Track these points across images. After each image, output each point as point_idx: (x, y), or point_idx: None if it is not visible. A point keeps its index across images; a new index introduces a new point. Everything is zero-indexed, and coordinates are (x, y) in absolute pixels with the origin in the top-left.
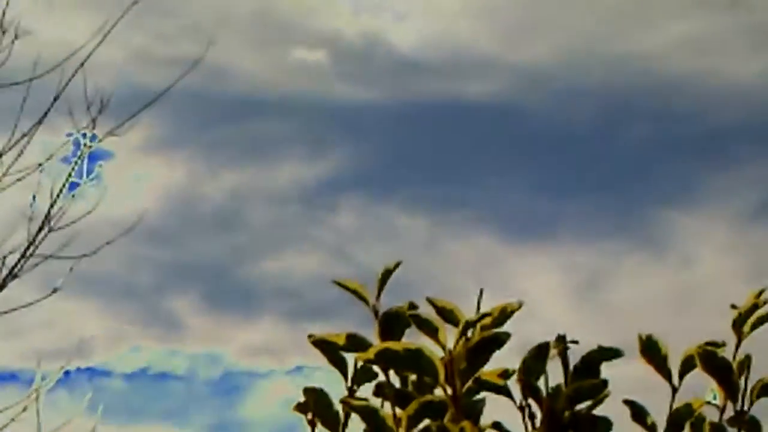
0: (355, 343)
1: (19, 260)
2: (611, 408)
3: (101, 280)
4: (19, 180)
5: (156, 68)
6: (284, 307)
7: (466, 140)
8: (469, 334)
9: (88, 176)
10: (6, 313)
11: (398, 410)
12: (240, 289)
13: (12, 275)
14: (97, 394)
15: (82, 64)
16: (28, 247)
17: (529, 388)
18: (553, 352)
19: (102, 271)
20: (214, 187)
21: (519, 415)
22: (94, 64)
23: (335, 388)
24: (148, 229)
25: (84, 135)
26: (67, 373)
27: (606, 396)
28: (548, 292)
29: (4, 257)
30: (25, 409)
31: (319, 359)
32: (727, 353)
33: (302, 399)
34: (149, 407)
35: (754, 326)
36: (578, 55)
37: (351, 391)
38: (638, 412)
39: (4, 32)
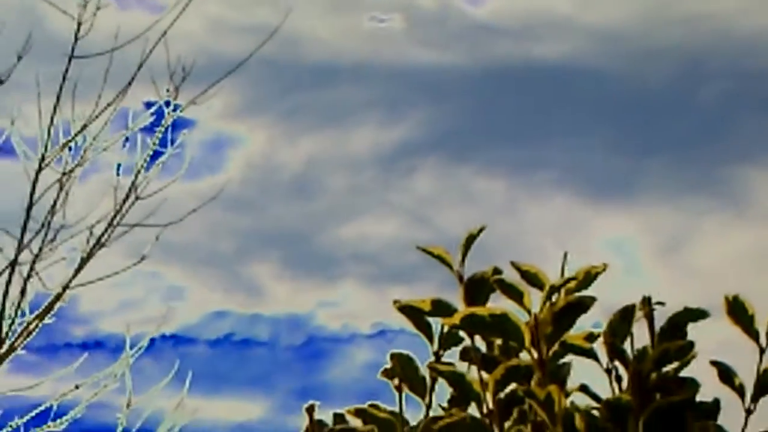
0: (441, 308)
1: (106, 229)
2: (698, 369)
3: (184, 247)
4: (104, 150)
5: (231, 37)
6: (364, 272)
7: (542, 102)
8: (554, 298)
9: (170, 145)
10: (94, 282)
11: (485, 375)
12: (320, 254)
13: (99, 244)
14: (181, 360)
15: (164, 33)
16: (114, 216)
17: (615, 351)
18: (638, 314)
19: (184, 239)
20: (292, 153)
21: (605, 377)
22: (171, 34)
23: (418, 352)
24: (227, 197)
25: (167, 104)
26: (152, 340)
27: (693, 357)
28: (630, 252)
29: (92, 226)
30: (116, 376)
31: (400, 323)
32: None
33: (388, 364)
34: (233, 373)
35: None
36: (653, 14)
37: (437, 356)
38: (726, 373)
39: (86, 4)
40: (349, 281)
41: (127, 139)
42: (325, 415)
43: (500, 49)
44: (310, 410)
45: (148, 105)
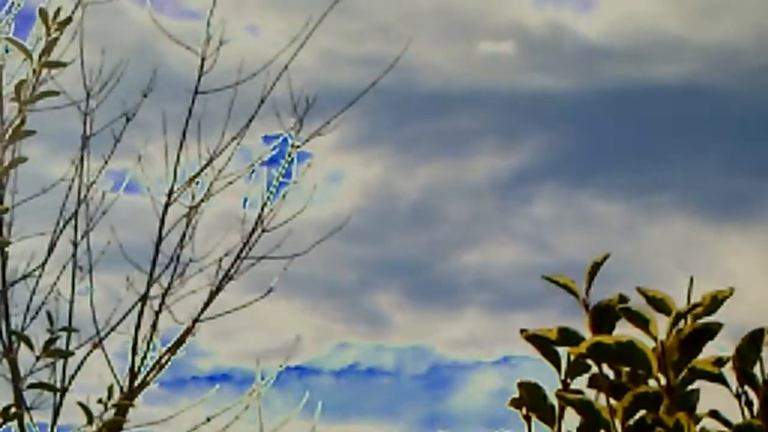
0: (567, 336)
1: (234, 262)
2: None
3: (305, 279)
4: (230, 183)
5: (343, 69)
6: (486, 299)
7: (659, 123)
8: (681, 324)
9: (290, 177)
10: (223, 315)
11: (613, 402)
12: (441, 282)
13: (228, 277)
14: (307, 392)
15: (286, 67)
16: (242, 249)
17: (745, 376)
18: (767, 338)
19: (305, 270)
20: (410, 183)
21: (736, 403)
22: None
23: (543, 379)
24: (347, 227)
25: (290, 136)
26: (273, 372)
27: None
28: (754, 274)
29: (220, 259)
30: (247, 408)
31: (525, 349)
32: None
33: (514, 391)
34: (359, 403)
35: None
36: (765, 30)
37: (565, 384)
38: None
39: (209, 39)
40: (472, 309)
41: (252, 172)
42: None
43: (614, 72)
44: None
45: (268, 138)
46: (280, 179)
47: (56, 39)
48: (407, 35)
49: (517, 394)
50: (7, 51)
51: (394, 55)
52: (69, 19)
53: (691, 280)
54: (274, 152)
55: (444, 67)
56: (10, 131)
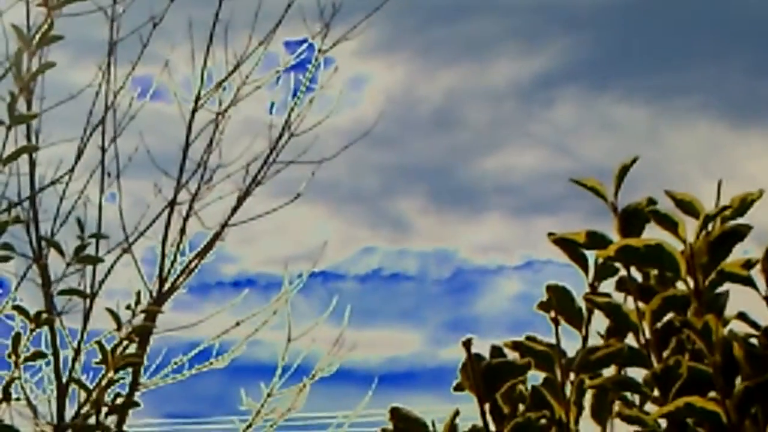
0: (595, 240)
1: (261, 167)
2: None
3: (328, 185)
4: (258, 88)
5: None
6: (508, 204)
7: (681, 27)
8: (709, 226)
9: (316, 82)
10: (253, 219)
11: (641, 305)
12: (463, 187)
13: (256, 182)
14: (332, 296)
15: None
16: (269, 154)
17: None
18: None
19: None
20: (431, 88)
21: (764, 304)
22: None
23: (567, 282)
24: (370, 133)
25: (315, 42)
26: (298, 276)
27: None
28: None
29: (248, 164)
30: (275, 313)
31: (547, 253)
32: None
33: (538, 295)
34: (384, 308)
35: None
36: None
37: (593, 288)
38: None
39: None
40: (494, 213)
41: (278, 78)
42: (479, 348)
43: None
44: (467, 344)
45: (291, 44)
46: (307, 84)
47: None
48: None
49: (543, 298)
50: None
51: None
52: None
53: (719, 183)
54: (300, 58)
55: None
56: (37, 36)
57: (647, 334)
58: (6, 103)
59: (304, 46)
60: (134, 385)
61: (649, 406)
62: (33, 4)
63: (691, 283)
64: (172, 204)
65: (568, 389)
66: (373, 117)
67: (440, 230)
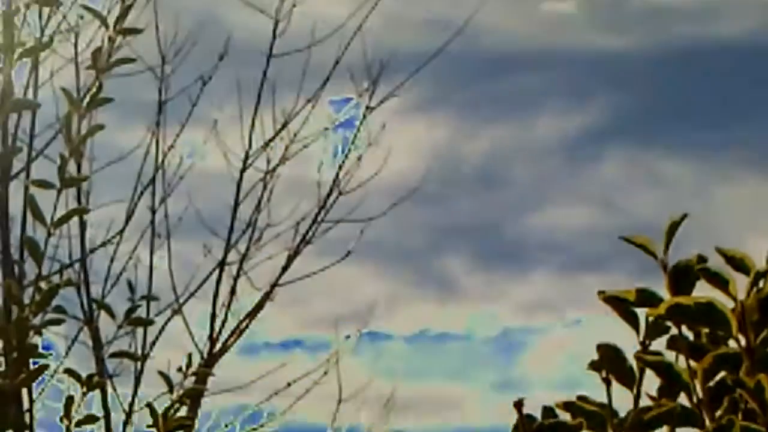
0: (646, 298)
1: (311, 226)
2: None
3: (374, 243)
4: (305, 146)
5: (407, 32)
6: (555, 261)
7: (728, 81)
8: (761, 283)
9: (363, 140)
10: (302, 279)
11: (693, 363)
12: (509, 245)
13: (305, 241)
14: (380, 356)
15: (359, 28)
16: (319, 212)
17: None
18: None
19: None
20: (476, 145)
21: None
22: (352, 29)
23: (617, 339)
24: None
25: (360, 100)
26: (347, 337)
27: None
28: None
29: (297, 223)
30: (326, 373)
31: (596, 311)
32: None
33: (589, 354)
34: (431, 368)
35: None
36: None
37: (644, 346)
38: None
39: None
40: (541, 271)
41: (327, 134)
42: (529, 408)
43: (680, 30)
44: (519, 405)
45: (336, 102)
46: (356, 142)
47: (131, 5)
48: None
49: (594, 357)
50: (81, 18)
51: (456, 15)
52: None
53: None
54: (347, 116)
55: (507, 28)
56: (87, 99)
57: (699, 393)
58: (57, 166)
59: (352, 103)
60: None
61: None
62: (82, 66)
63: (743, 341)
64: (221, 264)
65: None
66: (418, 174)
67: (487, 288)
